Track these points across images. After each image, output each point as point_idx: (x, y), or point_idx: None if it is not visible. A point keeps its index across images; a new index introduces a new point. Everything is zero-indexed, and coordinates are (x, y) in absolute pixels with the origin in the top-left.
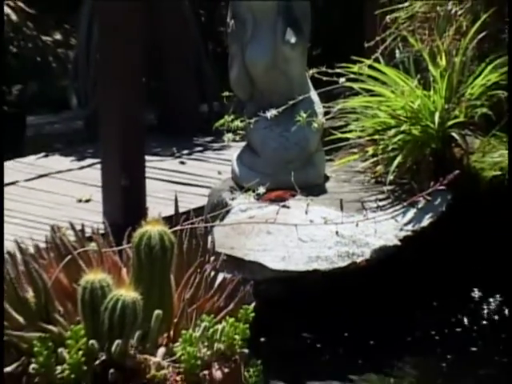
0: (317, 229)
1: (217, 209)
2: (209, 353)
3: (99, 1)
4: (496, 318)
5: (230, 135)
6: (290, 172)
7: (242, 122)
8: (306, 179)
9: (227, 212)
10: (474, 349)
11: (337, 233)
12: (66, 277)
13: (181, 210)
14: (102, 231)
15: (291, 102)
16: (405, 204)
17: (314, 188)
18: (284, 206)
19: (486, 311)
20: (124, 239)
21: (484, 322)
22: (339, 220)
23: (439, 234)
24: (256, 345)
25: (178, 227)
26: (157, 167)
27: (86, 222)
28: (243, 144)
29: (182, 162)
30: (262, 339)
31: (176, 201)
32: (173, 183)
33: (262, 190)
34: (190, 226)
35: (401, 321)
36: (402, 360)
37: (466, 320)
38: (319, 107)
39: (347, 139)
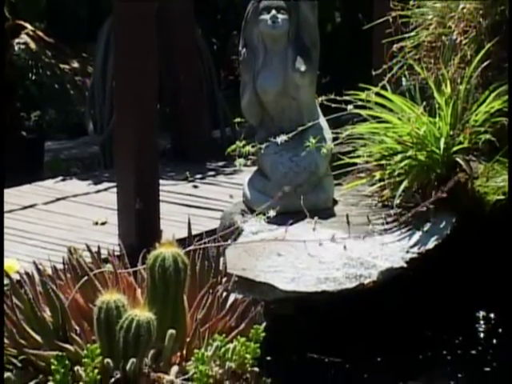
0: (325, 251)
1: (228, 231)
2: (220, 371)
3: (116, 27)
4: (499, 338)
5: (241, 160)
6: (300, 196)
7: (253, 147)
8: (316, 203)
9: (239, 234)
10: (486, 369)
11: (345, 247)
12: (82, 297)
13: (194, 232)
14: (117, 253)
15: (301, 128)
16: (409, 215)
17: (323, 211)
18: (291, 224)
19: (489, 331)
20: (139, 261)
21: (494, 342)
22: (347, 242)
23: (444, 256)
24: (266, 363)
25: (191, 247)
26: (171, 191)
27: (101, 244)
28: (254, 169)
29: (195, 186)
30: (272, 357)
31: (189, 223)
32: (186, 206)
33: (272, 213)
34: (202, 246)
35: (409, 339)
36: (412, 378)
37: (471, 340)
38: (328, 133)
39: (355, 164)
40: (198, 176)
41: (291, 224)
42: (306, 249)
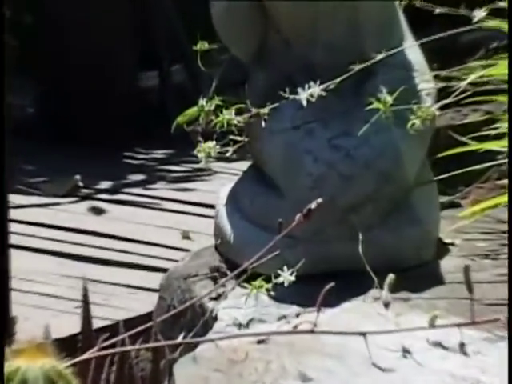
0: (417, 368)
1: (180, 318)
2: None
3: None
4: None
5: (210, 146)
6: (355, 234)
7: (238, 113)
8: (394, 250)
9: (206, 328)
10: None
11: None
12: None
13: (101, 322)
14: None
15: (358, 67)
16: None
17: (413, 271)
18: (327, 305)
19: None
20: None
21: None
22: (459, 356)
23: None
24: None
25: (90, 354)
26: (35, 223)
27: None
28: (242, 167)
29: (97, 210)
30: None
31: (85, 302)
32: (74, 260)
33: (288, 276)
34: (114, 352)
35: None
36: None
37: None
38: (425, 80)
39: (493, 155)
40: (104, 185)
41: (326, 305)
42: (368, 361)
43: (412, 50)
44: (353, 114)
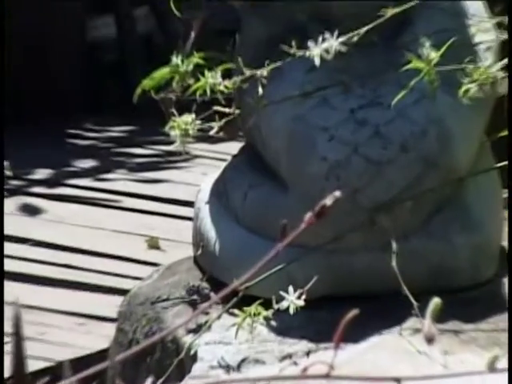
0: None
1: (146, 358)
2: None
3: None
4: None
5: (187, 121)
6: (386, 243)
7: (226, 76)
8: (442, 266)
9: (180, 371)
10: None
11: None
12: None
13: (38, 363)
14: None
15: (390, 12)
16: None
17: (467, 295)
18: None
19: None
20: None
21: None
22: None
23: None
24: None
25: None
26: None
27: None
28: (230, 150)
29: (33, 210)
30: None
31: (18, 338)
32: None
33: (298, 301)
34: None
35: None
36: None
37: None
38: (483, 30)
39: None
40: (40, 174)
41: (347, 340)
42: None
43: None
44: (383, 76)
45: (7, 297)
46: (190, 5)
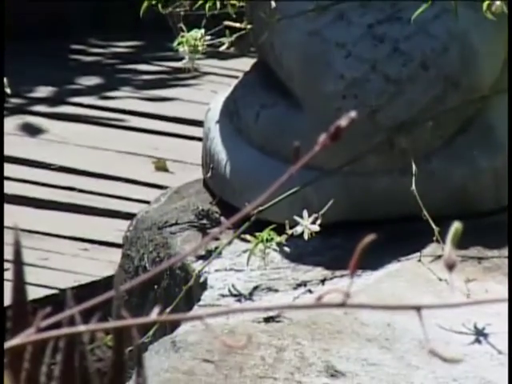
0: None
1: (153, 286)
2: None
3: None
4: None
5: (196, 36)
6: (406, 165)
7: None
8: (465, 189)
9: (189, 300)
10: None
11: None
12: None
13: (39, 290)
14: None
15: None
16: None
17: (491, 220)
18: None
19: None
20: None
21: None
22: None
23: None
24: None
25: (24, 338)
26: None
27: None
28: (242, 67)
29: (34, 130)
30: None
31: (18, 264)
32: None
33: (313, 227)
34: (60, 332)
35: None
36: None
37: None
38: None
39: None
40: (42, 92)
41: (364, 267)
42: (424, 348)
43: None
44: None
45: (7, 221)
46: None
